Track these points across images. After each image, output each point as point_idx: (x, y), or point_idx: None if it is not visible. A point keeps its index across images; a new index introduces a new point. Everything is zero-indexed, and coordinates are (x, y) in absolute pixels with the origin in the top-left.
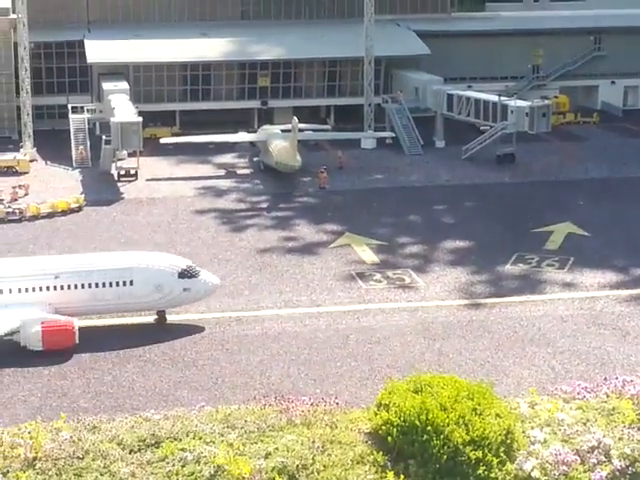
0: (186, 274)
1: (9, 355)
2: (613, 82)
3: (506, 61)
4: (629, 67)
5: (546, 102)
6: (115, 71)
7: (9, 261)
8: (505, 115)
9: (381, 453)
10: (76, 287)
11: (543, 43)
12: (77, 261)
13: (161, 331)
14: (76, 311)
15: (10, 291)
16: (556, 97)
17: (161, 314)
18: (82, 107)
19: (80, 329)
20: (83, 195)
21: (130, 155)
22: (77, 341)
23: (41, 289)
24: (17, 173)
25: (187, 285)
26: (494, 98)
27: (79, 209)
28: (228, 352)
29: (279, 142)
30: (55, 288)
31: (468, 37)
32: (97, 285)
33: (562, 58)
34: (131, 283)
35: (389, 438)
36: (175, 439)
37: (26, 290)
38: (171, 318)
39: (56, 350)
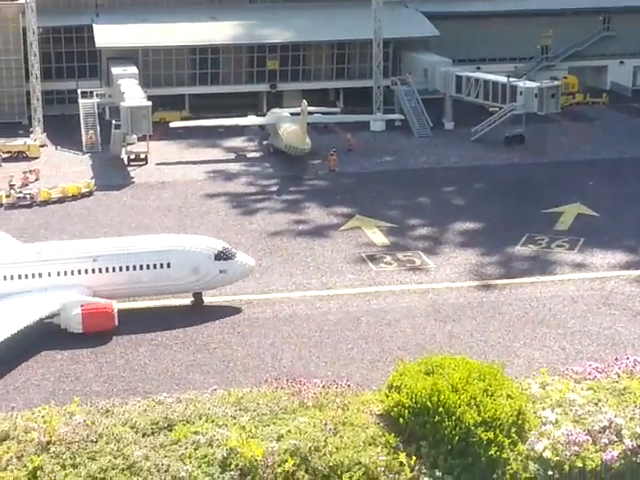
0: (222, 256)
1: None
2: (622, 62)
3: (515, 42)
4: (638, 47)
5: (555, 83)
6: (124, 55)
7: (48, 244)
8: (514, 96)
9: (393, 435)
10: (114, 270)
11: (552, 24)
12: (115, 244)
13: (176, 314)
14: (114, 294)
15: (49, 274)
16: (565, 78)
17: (198, 296)
18: (91, 92)
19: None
20: (93, 180)
21: (140, 139)
22: (116, 323)
23: (80, 272)
24: (27, 158)
25: (223, 267)
26: (503, 79)
27: (90, 194)
28: (240, 335)
29: (288, 125)
30: (93, 271)
31: (477, 18)
32: (135, 268)
33: (571, 39)
34: (168, 265)
35: (401, 420)
36: (188, 422)
37: (65, 273)
38: (181, 301)
39: (96, 332)
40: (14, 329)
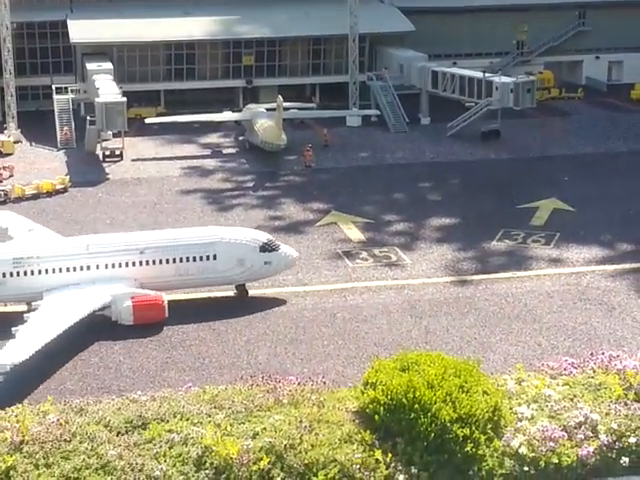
0: (267, 248)
1: None
2: (597, 57)
3: (490, 37)
4: (613, 42)
5: (531, 78)
6: (99, 51)
7: (96, 237)
8: (490, 91)
9: (368, 432)
10: (161, 262)
11: (527, 19)
12: (162, 236)
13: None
14: (160, 286)
15: (97, 267)
16: (541, 73)
17: (241, 288)
18: (66, 88)
19: None
20: (68, 176)
21: (115, 135)
22: (167, 315)
23: (127, 265)
24: (1, 154)
25: (268, 259)
26: (479, 75)
27: (64, 190)
28: (215, 332)
29: (264, 121)
30: (140, 263)
31: (452, 13)
32: (181, 260)
33: (546, 34)
34: (214, 257)
35: (376, 417)
36: (162, 420)
37: (112, 266)
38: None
39: (146, 324)
40: (70, 322)
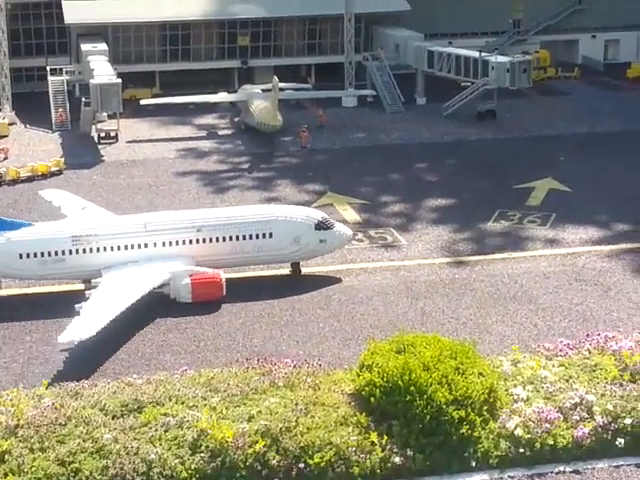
0: (322, 226)
1: None
2: (594, 36)
3: (486, 16)
4: (609, 21)
5: (527, 57)
6: (93, 32)
7: (153, 215)
8: (486, 71)
9: (364, 414)
10: (217, 240)
11: None
12: (218, 214)
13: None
14: (217, 264)
15: (155, 245)
16: (537, 52)
17: (296, 266)
18: (61, 69)
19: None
20: (63, 158)
21: (110, 117)
22: (224, 293)
23: (184, 242)
24: None
25: (323, 237)
26: (475, 54)
27: (59, 172)
28: (210, 314)
29: (260, 102)
30: (197, 241)
31: None
32: (238, 238)
33: (543, 12)
34: (270, 235)
35: (372, 399)
36: (158, 404)
37: (170, 244)
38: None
39: (204, 301)
40: (133, 299)
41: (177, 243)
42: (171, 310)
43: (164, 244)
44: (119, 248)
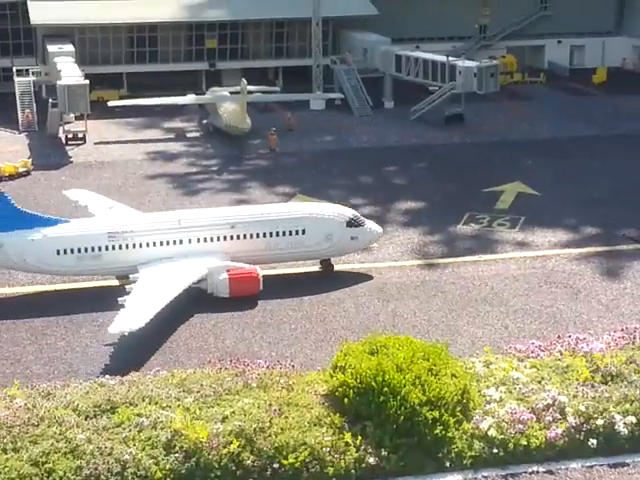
0: (353, 223)
1: None
2: (559, 42)
3: (453, 21)
4: (575, 27)
5: (494, 62)
6: (60, 33)
7: (187, 212)
8: (453, 75)
9: (338, 415)
10: (251, 236)
11: (490, 2)
12: (252, 211)
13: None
14: (250, 260)
15: (190, 241)
16: (503, 57)
17: (326, 262)
18: (27, 70)
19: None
20: (31, 159)
21: (77, 118)
22: (261, 288)
23: (218, 239)
24: None
25: (354, 234)
26: (442, 59)
27: (27, 173)
28: (182, 315)
29: (228, 105)
30: (231, 238)
31: None
32: (271, 234)
33: (509, 18)
34: (303, 232)
35: (346, 400)
36: (131, 404)
37: (204, 240)
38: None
39: (241, 297)
40: (174, 293)
41: (212, 239)
42: None
43: (198, 240)
44: (154, 244)
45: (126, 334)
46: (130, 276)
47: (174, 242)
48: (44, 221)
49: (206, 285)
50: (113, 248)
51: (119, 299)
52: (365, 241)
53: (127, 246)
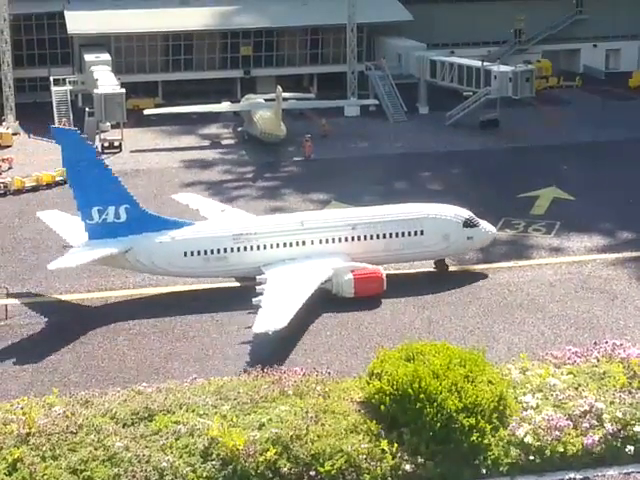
0: (469, 223)
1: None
2: (595, 45)
3: (488, 26)
4: (610, 30)
5: (529, 67)
6: (96, 42)
7: (309, 214)
8: (488, 80)
9: (374, 422)
10: (371, 237)
11: (525, 7)
12: (372, 212)
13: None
14: (370, 260)
15: (312, 242)
16: (539, 61)
17: (441, 262)
18: (64, 79)
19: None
20: None
21: (114, 127)
22: (385, 288)
23: (340, 240)
24: (0, 147)
25: (470, 234)
26: (477, 64)
27: (64, 182)
28: (218, 323)
29: (263, 112)
30: (352, 239)
31: (450, 2)
32: (391, 235)
33: (544, 22)
34: (421, 233)
35: (382, 407)
36: (168, 412)
37: (326, 241)
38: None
39: (366, 296)
40: (308, 293)
41: (333, 240)
42: (177, 320)
43: (320, 241)
44: (278, 246)
45: (270, 333)
46: (257, 278)
47: (297, 243)
48: (171, 224)
49: (331, 285)
50: (238, 250)
51: (254, 300)
52: (480, 241)
53: (252, 247)
